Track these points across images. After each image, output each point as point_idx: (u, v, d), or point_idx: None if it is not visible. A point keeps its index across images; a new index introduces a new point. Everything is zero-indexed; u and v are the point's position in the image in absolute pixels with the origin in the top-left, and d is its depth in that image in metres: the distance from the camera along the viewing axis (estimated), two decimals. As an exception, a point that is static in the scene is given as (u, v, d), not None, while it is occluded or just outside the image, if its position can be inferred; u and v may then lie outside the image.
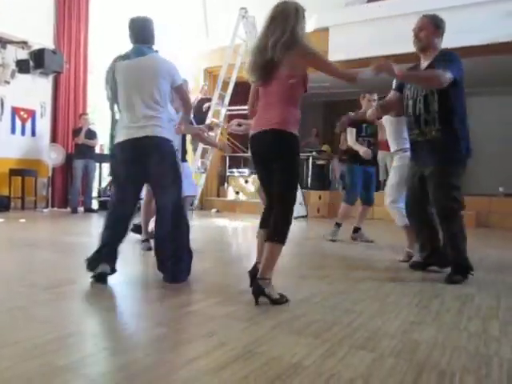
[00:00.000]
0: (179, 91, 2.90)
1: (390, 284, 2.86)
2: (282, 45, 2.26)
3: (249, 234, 5.60)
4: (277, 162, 2.35)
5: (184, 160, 4.18)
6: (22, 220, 6.12)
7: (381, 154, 8.94)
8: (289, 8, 2.33)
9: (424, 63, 3.04)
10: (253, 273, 2.45)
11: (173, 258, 2.69)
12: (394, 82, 3.31)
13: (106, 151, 9.32)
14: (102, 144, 8.93)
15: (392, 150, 3.95)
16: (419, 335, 1.90)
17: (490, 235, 6.28)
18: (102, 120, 9.26)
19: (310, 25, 8.38)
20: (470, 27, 6.85)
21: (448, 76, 2.78)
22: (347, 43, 7.47)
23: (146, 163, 2.69)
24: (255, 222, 5.38)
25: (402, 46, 7.23)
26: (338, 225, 4.77)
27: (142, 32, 2.85)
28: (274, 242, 2.30)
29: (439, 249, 3.25)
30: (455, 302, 2.47)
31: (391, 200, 3.79)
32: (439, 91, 2.90)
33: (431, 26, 3.01)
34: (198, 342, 1.74)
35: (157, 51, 2.88)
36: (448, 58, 2.92)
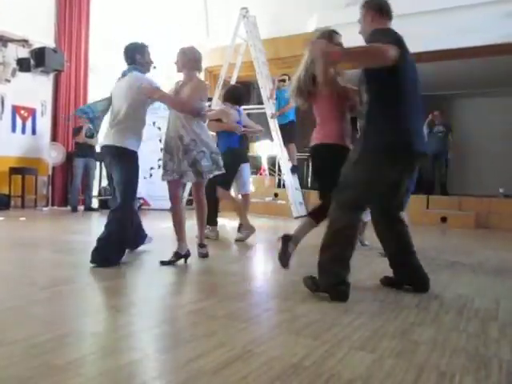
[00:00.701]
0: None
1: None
2: None
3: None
4: None
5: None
6: (22, 218, 6.12)
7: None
8: None
9: None
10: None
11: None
12: None
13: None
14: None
15: None
16: (419, 336, 1.90)
17: (489, 236, 6.28)
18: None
19: (311, 25, 8.38)
20: (471, 28, 6.85)
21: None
22: (350, 43, 7.47)
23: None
24: (255, 221, 5.37)
25: (408, 45, 7.27)
26: None
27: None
28: None
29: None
30: (454, 303, 2.47)
31: None
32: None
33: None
34: (198, 342, 1.74)
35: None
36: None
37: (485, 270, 3.54)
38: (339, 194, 2.52)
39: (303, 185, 8.66)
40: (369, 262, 3.64)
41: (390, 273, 3.24)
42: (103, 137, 3.42)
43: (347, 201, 2.48)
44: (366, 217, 3.53)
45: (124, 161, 3.22)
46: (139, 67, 3.36)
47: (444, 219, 7.37)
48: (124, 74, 3.38)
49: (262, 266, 3.77)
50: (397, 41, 2.45)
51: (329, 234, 2.51)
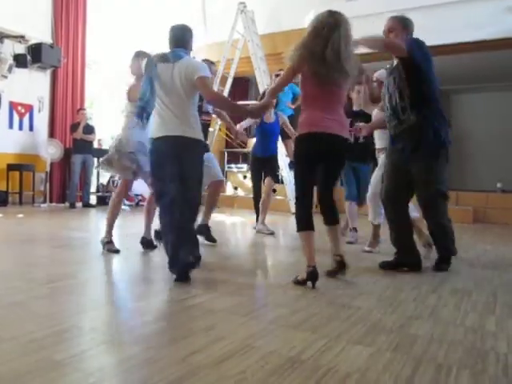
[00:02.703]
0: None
1: (387, 279, 2.87)
2: None
3: (247, 230, 5.60)
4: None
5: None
6: (20, 215, 6.11)
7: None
8: None
9: (395, 62, 3.14)
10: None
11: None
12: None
13: (105, 146, 9.31)
14: (100, 139, 8.91)
15: (378, 146, 3.91)
16: (416, 330, 1.91)
17: (487, 231, 6.30)
18: (100, 115, 9.25)
19: (309, 20, 8.37)
20: (470, 23, 6.83)
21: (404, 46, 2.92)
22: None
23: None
24: (252, 217, 5.37)
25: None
26: (353, 229, 4.35)
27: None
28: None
29: (412, 249, 3.19)
30: (452, 297, 2.48)
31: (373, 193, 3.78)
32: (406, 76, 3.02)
33: (399, 27, 3.10)
34: (197, 336, 1.74)
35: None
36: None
37: (482, 264, 3.55)
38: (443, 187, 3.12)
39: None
40: (366, 257, 3.65)
41: (390, 271, 3.25)
42: (160, 126, 2.81)
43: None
44: (380, 219, 3.78)
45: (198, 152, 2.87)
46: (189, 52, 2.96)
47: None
48: (175, 57, 2.82)
49: (260, 261, 3.77)
50: None
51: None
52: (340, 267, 2.75)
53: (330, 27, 2.56)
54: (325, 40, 2.54)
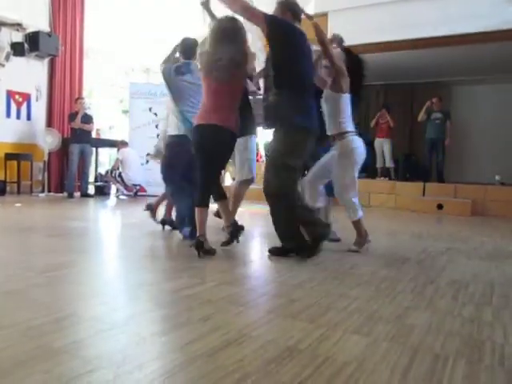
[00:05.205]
0: None
1: (384, 270, 2.88)
2: None
3: (245, 219, 5.60)
4: None
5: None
6: (18, 204, 6.10)
7: (378, 141, 8.96)
8: None
9: None
10: None
11: None
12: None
13: (103, 136, 9.28)
14: (99, 128, 8.87)
15: (329, 133, 3.51)
16: (413, 320, 1.92)
17: (485, 223, 6.32)
18: (97, 104, 9.21)
19: (309, 10, 8.28)
20: (469, 14, 6.78)
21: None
22: (347, 29, 7.41)
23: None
24: (250, 207, 5.36)
25: (403, 32, 7.19)
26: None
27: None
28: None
29: (298, 234, 3.12)
30: (449, 288, 2.49)
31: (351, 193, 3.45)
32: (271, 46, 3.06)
33: (279, 11, 3.13)
34: (194, 326, 1.75)
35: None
36: None
37: (480, 256, 3.56)
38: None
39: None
40: (364, 248, 3.66)
41: (384, 259, 3.26)
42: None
43: None
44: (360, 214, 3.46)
45: None
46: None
47: (440, 206, 7.40)
48: (186, 69, 3.62)
49: (258, 251, 3.78)
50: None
51: None
52: (232, 236, 3.24)
53: None
54: None
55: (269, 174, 3.04)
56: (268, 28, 2.94)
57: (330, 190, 3.72)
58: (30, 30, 7.43)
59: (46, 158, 7.65)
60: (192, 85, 3.59)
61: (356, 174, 3.42)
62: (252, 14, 2.97)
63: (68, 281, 2.38)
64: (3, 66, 7.21)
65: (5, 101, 7.40)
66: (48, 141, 7.60)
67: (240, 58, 3.01)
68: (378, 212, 7.02)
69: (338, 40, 3.68)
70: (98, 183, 8.41)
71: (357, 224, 3.46)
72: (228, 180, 9.34)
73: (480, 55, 7.75)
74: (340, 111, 3.35)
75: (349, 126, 3.38)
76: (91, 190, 8.17)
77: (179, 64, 3.71)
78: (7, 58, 7.22)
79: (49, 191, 7.80)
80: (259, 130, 4.40)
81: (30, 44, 7.40)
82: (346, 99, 3.36)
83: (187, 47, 3.73)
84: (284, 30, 2.99)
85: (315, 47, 3.43)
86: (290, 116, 2.97)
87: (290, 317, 1.89)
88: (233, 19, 3.07)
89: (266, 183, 3.05)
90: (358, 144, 3.38)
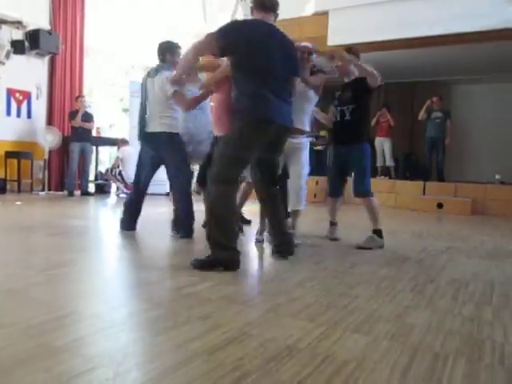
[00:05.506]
0: None
1: (384, 269, 2.88)
2: None
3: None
4: None
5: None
6: (18, 203, 6.10)
7: (378, 140, 8.96)
8: None
9: None
10: None
11: None
12: None
13: (103, 134, 9.27)
14: (99, 127, 8.86)
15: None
16: (413, 319, 1.92)
17: (485, 222, 6.32)
18: (98, 103, 9.20)
19: (309, 8, 8.27)
20: (467, 13, 6.77)
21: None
22: (347, 28, 7.40)
23: None
24: (249, 206, 5.37)
25: (403, 30, 7.16)
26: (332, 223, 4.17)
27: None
28: None
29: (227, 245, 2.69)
30: (449, 287, 2.50)
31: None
32: None
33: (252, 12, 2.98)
34: (194, 324, 1.75)
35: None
36: None
37: (480, 255, 3.57)
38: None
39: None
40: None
41: (385, 258, 3.27)
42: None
43: None
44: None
45: None
46: (167, 66, 3.72)
47: (440, 205, 7.40)
48: (155, 71, 3.73)
49: (257, 250, 3.78)
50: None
51: None
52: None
53: None
54: None
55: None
56: (221, 41, 2.68)
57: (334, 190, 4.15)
58: (31, 27, 7.42)
59: (46, 157, 7.64)
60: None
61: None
62: (202, 42, 2.74)
63: (68, 279, 2.39)
64: (3, 64, 7.20)
65: (5, 99, 7.39)
66: (48, 139, 7.60)
67: None
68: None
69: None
70: (99, 181, 8.41)
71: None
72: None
73: (476, 55, 7.74)
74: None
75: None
76: (91, 188, 8.17)
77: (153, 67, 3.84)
78: (7, 56, 7.21)
79: (49, 189, 7.80)
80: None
81: (31, 42, 7.39)
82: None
83: (158, 51, 3.83)
84: (234, 38, 2.74)
85: (303, 43, 3.46)
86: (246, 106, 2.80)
87: (290, 315, 1.89)
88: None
89: None
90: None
